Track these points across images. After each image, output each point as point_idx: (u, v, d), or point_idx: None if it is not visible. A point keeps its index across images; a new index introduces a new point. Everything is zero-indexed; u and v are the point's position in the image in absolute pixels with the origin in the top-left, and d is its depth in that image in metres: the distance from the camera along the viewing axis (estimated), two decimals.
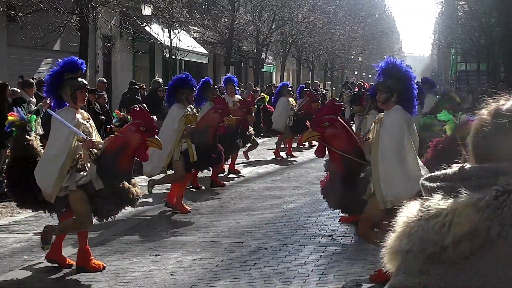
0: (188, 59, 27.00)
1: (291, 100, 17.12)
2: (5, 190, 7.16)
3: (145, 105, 15.99)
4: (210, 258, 7.23)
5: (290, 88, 18.18)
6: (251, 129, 14.00)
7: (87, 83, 7.00)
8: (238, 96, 14.45)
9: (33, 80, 12.81)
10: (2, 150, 10.89)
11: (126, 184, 6.52)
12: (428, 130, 12.04)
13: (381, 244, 1.41)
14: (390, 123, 6.15)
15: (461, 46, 43.76)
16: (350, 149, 6.39)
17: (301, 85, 21.56)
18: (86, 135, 6.55)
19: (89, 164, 6.55)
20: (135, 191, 6.61)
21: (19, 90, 11.92)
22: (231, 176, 13.62)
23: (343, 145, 6.39)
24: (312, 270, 6.73)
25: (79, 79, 6.74)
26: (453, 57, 54.05)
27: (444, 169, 1.41)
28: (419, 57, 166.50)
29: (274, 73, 45.41)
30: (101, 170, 6.45)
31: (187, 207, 9.85)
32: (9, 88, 12.05)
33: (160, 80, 19.85)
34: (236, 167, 14.08)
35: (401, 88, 6.22)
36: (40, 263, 7.02)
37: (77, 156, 6.56)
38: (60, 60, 6.81)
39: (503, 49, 31.80)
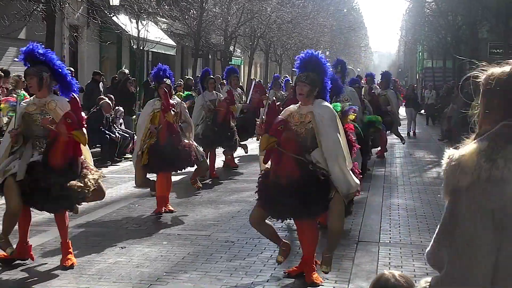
0: (156, 50, 26.82)
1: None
2: None
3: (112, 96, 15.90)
4: (177, 251, 7.22)
5: (280, 81, 17.80)
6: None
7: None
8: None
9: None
10: None
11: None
12: (372, 126, 12.51)
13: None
14: (328, 119, 6.01)
15: (428, 43, 44.15)
16: (301, 151, 5.97)
17: (286, 79, 19.66)
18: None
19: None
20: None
21: None
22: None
23: (296, 148, 5.94)
24: (278, 264, 6.75)
25: None
26: (420, 54, 54.52)
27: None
28: (386, 54, 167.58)
29: (242, 66, 45.36)
30: None
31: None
32: None
33: (127, 71, 19.67)
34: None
35: (321, 82, 6.11)
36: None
37: None
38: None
39: (469, 47, 32.21)
